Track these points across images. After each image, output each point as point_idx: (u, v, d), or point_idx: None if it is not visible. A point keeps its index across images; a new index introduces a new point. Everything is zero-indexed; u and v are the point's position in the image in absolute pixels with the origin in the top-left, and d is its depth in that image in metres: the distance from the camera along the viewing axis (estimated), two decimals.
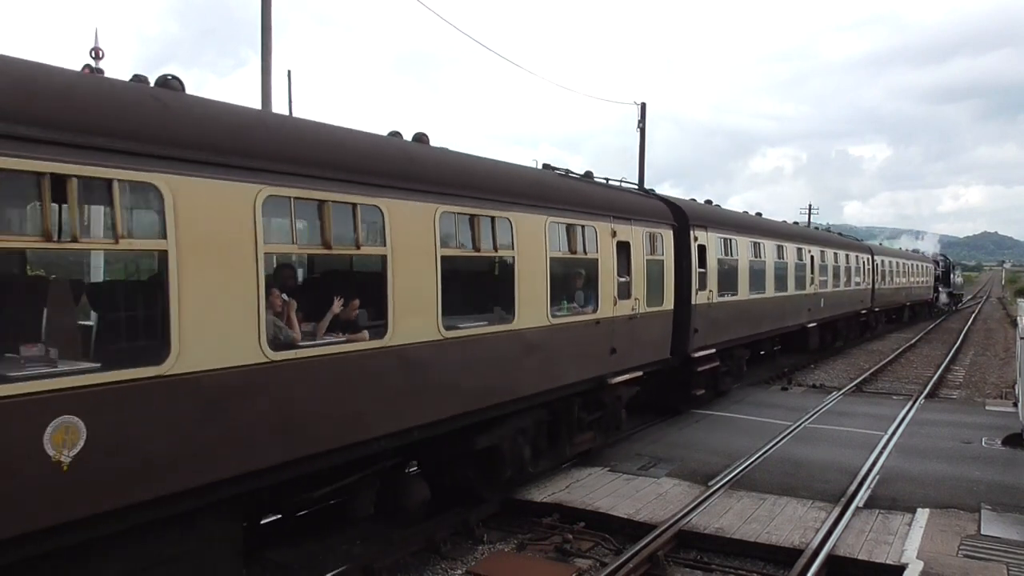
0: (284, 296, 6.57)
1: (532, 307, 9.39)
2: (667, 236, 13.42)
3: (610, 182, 12.90)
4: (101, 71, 5.90)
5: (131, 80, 5.78)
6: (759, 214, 20.89)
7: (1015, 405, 15.37)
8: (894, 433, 13.99)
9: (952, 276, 59.79)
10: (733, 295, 16.44)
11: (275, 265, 6.98)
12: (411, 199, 7.54)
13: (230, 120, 6.23)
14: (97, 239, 5.56)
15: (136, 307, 5.84)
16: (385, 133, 8.44)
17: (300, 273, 8.60)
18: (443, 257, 7.84)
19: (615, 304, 11.42)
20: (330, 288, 7.23)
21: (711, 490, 10.30)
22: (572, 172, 11.79)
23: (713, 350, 15.26)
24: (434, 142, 9.25)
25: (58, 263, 6.46)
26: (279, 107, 17.15)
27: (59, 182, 4.77)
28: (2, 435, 4.51)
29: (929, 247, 70.62)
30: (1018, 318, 17.95)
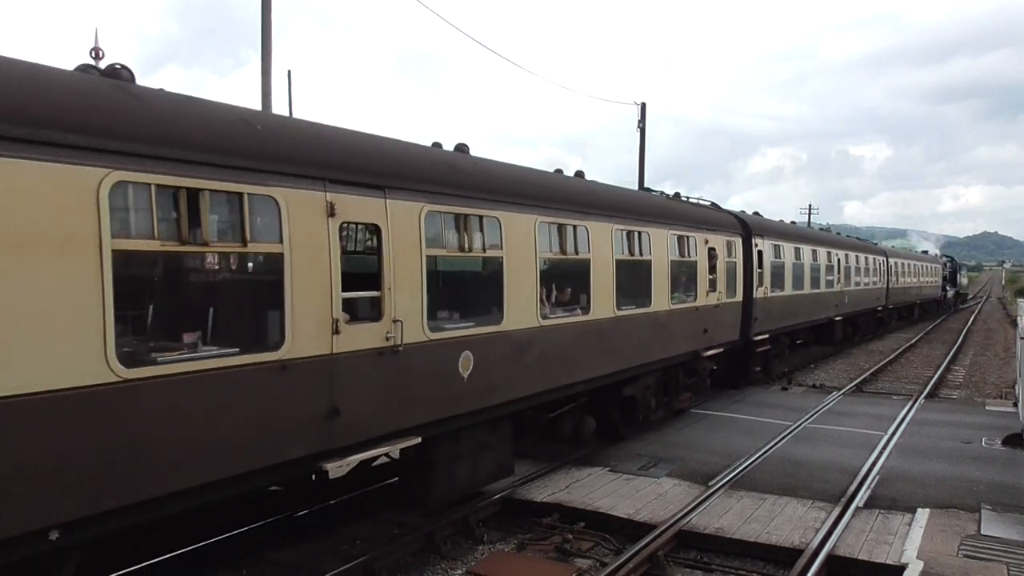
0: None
1: (661, 297, 13.08)
2: (738, 243, 17.07)
3: (691, 200, 16.71)
4: (101, 71, 5.89)
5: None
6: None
7: (1015, 405, 15.37)
8: (894, 433, 13.99)
9: (958, 276, 65.62)
10: (780, 291, 19.81)
11: None
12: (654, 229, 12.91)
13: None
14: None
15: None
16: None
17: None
18: (619, 261, 11.58)
19: (707, 295, 15.02)
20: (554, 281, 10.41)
21: (711, 490, 10.30)
22: (686, 196, 16.46)
23: (767, 335, 18.78)
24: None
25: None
26: (279, 107, 17.13)
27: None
28: (443, 359, 8.01)
29: (929, 248, 74.50)
30: (1018, 318, 17.96)
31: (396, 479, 9.97)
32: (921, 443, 13.23)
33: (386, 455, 8.35)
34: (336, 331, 6.72)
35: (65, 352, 4.85)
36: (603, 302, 11.20)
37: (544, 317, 9.82)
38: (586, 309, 10.84)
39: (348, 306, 6.93)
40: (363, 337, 7.07)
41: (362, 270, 7.63)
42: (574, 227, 10.48)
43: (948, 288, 58.12)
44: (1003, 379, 23.18)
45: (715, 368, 16.18)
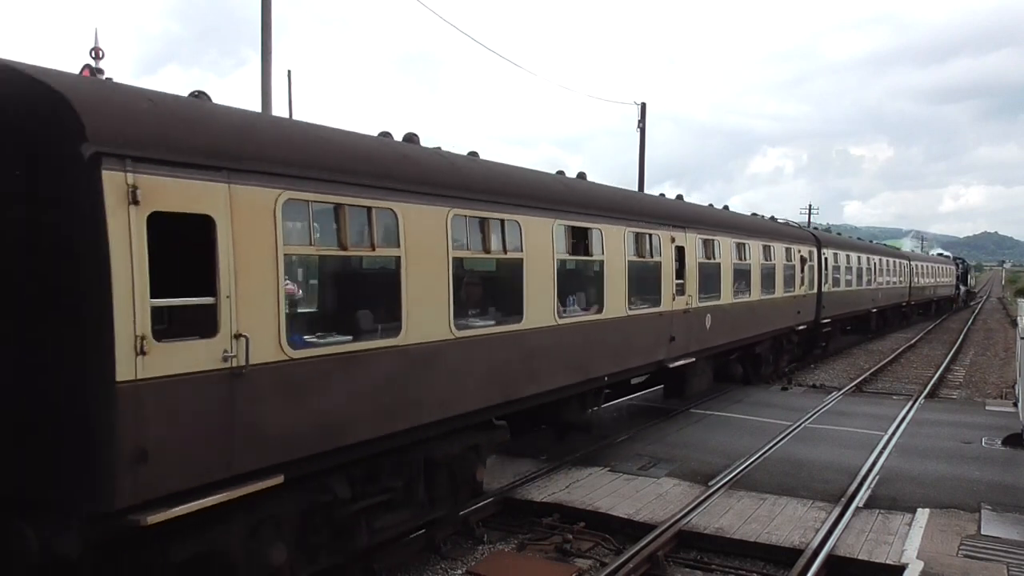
0: None
1: (777, 287, 19.35)
2: (814, 252, 23.13)
3: (792, 223, 24.73)
4: (101, 71, 5.90)
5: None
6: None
7: (1015, 405, 15.37)
8: (894, 433, 13.98)
9: (968, 276, 77.09)
10: (837, 288, 26.19)
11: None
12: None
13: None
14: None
15: None
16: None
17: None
18: (734, 265, 16.01)
19: (799, 288, 21.26)
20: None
21: (711, 490, 10.30)
22: (776, 217, 22.90)
23: (829, 320, 24.74)
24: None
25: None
26: (279, 107, 17.14)
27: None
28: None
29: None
30: (1018, 318, 17.95)
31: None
32: (921, 443, 13.23)
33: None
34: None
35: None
36: (754, 292, 17.79)
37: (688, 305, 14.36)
38: (745, 293, 17.23)
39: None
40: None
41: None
42: (725, 241, 16.23)
43: (961, 287, 65.99)
44: (1003, 379, 23.18)
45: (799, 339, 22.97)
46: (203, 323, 5.59)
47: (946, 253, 78.32)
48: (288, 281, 6.41)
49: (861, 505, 9.74)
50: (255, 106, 13.37)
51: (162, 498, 5.26)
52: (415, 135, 8.54)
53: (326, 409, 6.54)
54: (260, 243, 5.91)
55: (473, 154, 9.60)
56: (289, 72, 21.48)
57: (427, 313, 7.66)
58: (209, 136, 5.72)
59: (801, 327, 21.83)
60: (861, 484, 10.59)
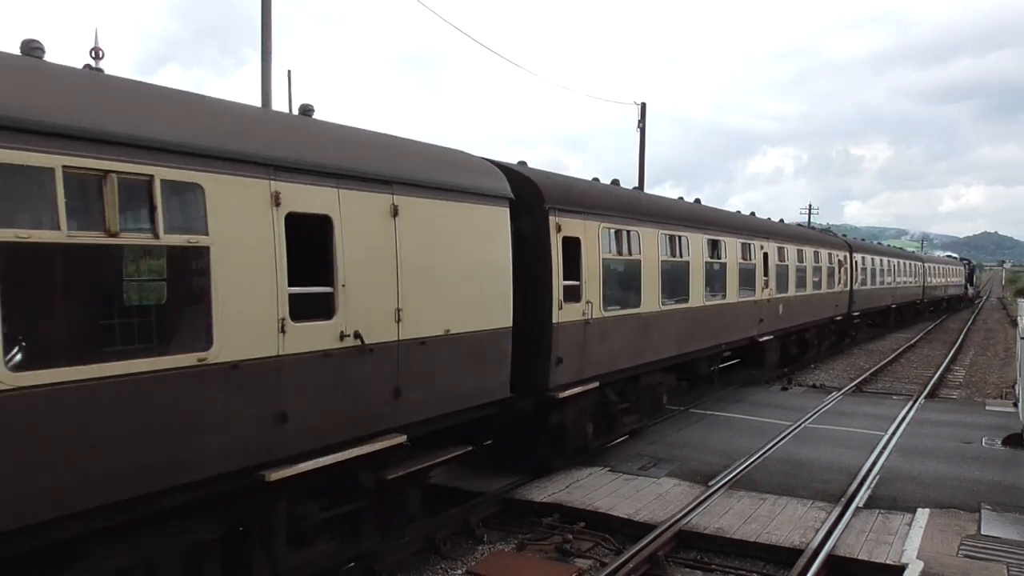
0: None
1: (819, 285, 23.69)
2: (848, 256, 27.90)
3: (831, 231, 32.40)
4: (101, 71, 5.90)
5: None
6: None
7: (1015, 405, 15.36)
8: (894, 433, 13.99)
9: (975, 276, 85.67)
10: (865, 286, 30.71)
11: None
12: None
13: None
14: None
15: None
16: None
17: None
18: (814, 268, 22.61)
19: (836, 286, 26.05)
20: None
21: (711, 490, 10.30)
22: (820, 227, 30.81)
23: (858, 313, 29.77)
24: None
25: None
26: (279, 108, 17.11)
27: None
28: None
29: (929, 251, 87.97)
30: (1018, 318, 17.95)
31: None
32: (921, 443, 13.23)
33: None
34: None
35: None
36: (808, 288, 22.47)
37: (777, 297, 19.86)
38: (802, 288, 21.92)
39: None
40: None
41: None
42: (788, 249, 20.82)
43: (968, 286, 72.68)
44: (1003, 379, 23.17)
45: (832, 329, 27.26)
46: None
47: (953, 255, 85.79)
48: None
49: (861, 505, 9.75)
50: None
51: (562, 385, 10.46)
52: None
53: (619, 347, 11.97)
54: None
55: (616, 182, 14.06)
56: (289, 72, 21.46)
57: (651, 295, 12.92)
58: (576, 193, 11.21)
59: (838, 318, 26.93)
60: (861, 484, 10.59)
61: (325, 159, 6.87)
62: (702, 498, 9.93)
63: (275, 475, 6.19)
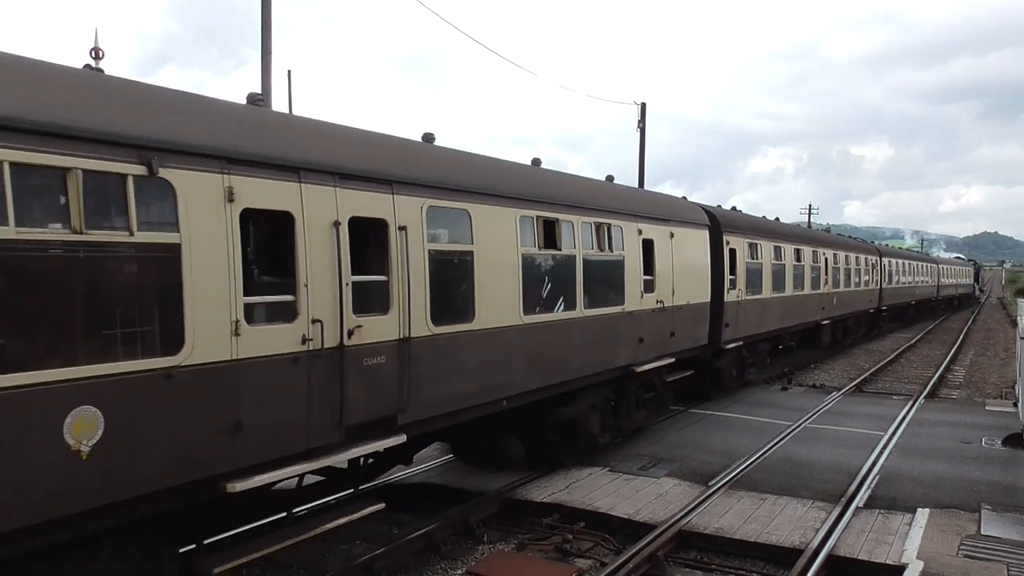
0: None
1: (861, 285, 30.03)
2: (878, 260, 33.45)
3: (863, 241, 39.16)
4: (101, 71, 5.89)
5: None
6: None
7: (1015, 405, 15.37)
8: (894, 433, 13.99)
9: (980, 275, 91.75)
10: (890, 285, 36.16)
11: None
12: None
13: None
14: None
15: None
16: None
17: None
18: (843, 268, 27.11)
19: (867, 285, 30.90)
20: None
21: (711, 490, 10.30)
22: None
23: (886, 308, 35.85)
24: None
25: None
26: (279, 107, 17.11)
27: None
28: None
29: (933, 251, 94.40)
30: (1018, 318, 17.95)
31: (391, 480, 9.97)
32: (921, 443, 13.23)
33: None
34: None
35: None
36: (852, 286, 27.84)
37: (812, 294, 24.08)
38: (848, 285, 27.16)
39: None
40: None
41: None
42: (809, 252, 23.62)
43: (976, 285, 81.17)
44: (1003, 379, 23.17)
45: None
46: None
47: (961, 256, 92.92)
48: None
49: (861, 505, 9.75)
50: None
51: (726, 341, 16.26)
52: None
53: (751, 320, 17.68)
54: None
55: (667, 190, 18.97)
56: (289, 72, 21.45)
57: (767, 287, 18.49)
58: (735, 221, 17.85)
59: (871, 311, 33.01)
60: (861, 484, 10.60)
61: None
62: (702, 498, 9.93)
63: (641, 369, 12.53)
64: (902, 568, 7.69)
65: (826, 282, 24.37)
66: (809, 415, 15.68)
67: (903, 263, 40.41)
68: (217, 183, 5.77)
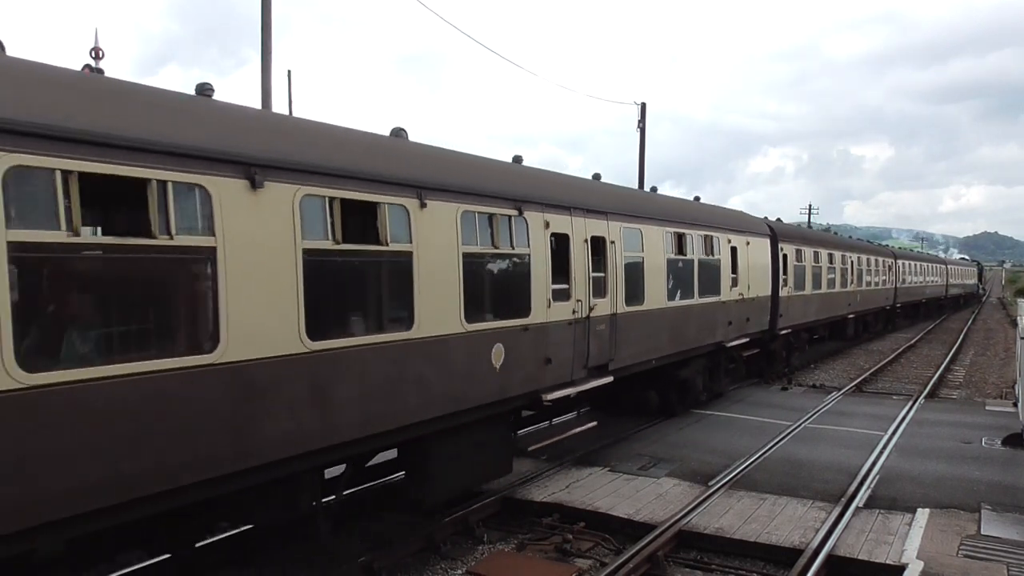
0: None
1: (879, 284, 33.90)
2: (893, 262, 36.87)
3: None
4: (101, 71, 5.90)
5: None
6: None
7: (1015, 405, 15.36)
8: (894, 433, 13.99)
9: (982, 275, 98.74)
10: (903, 284, 39.55)
11: None
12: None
13: None
14: None
15: None
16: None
17: None
18: (865, 269, 31.17)
19: (886, 284, 35.00)
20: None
21: (711, 490, 10.30)
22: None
23: (900, 305, 39.57)
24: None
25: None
26: (279, 107, 17.14)
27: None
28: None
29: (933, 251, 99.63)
30: (1018, 318, 17.95)
31: (400, 475, 10.03)
32: (921, 443, 13.23)
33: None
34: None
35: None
36: (871, 285, 31.93)
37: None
38: (869, 285, 31.12)
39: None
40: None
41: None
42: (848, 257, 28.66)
43: (979, 284, 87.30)
44: (1003, 379, 23.18)
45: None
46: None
47: (966, 257, 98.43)
48: None
49: (861, 505, 9.75)
50: (255, 106, 13.35)
51: (780, 327, 20.11)
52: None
53: (797, 311, 21.52)
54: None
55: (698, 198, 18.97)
56: (289, 72, 21.47)
57: (809, 284, 22.32)
58: (787, 231, 22.28)
59: (887, 308, 36.45)
60: (861, 484, 10.60)
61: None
62: (702, 498, 9.93)
63: (729, 345, 16.40)
64: (902, 568, 7.69)
65: (852, 282, 28.14)
66: (809, 415, 15.68)
67: (914, 264, 44.56)
68: (540, 218, 9.82)
